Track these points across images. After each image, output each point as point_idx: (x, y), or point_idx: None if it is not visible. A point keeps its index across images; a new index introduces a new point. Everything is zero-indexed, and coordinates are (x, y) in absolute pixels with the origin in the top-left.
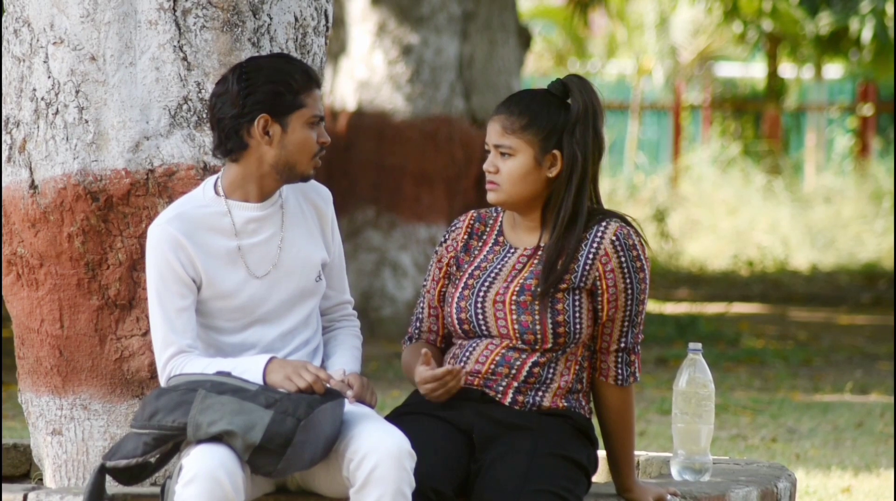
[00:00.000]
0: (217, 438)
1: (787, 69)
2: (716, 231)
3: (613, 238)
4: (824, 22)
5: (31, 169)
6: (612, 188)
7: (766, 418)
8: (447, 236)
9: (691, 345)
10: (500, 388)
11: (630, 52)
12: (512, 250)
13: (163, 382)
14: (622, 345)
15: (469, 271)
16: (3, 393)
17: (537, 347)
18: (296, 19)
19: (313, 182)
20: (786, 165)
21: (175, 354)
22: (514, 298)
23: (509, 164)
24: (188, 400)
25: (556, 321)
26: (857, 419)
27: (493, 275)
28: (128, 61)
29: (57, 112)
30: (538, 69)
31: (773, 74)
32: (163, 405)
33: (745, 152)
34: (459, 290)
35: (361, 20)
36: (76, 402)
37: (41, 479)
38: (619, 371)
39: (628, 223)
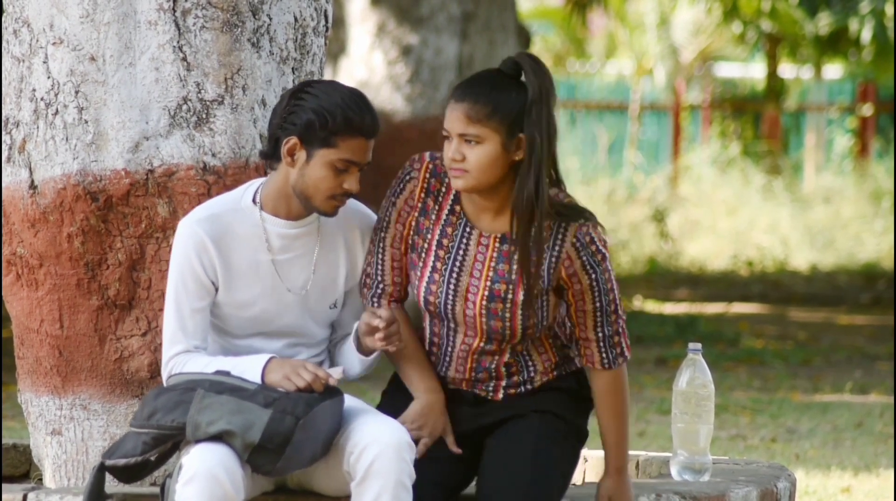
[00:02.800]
0: (216, 437)
1: (786, 69)
2: (715, 231)
3: (574, 240)
4: (824, 22)
5: (30, 169)
6: (611, 188)
7: (765, 418)
8: (402, 187)
9: (691, 345)
10: (490, 388)
11: (629, 52)
12: (470, 231)
13: (164, 378)
14: (600, 334)
15: (433, 246)
16: (3, 393)
17: (504, 344)
18: (295, 19)
19: (351, 206)
20: (785, 165)
21: (179, 353)
22: (483, 302)
23: (477, 152)
24: (187, 400)
25: (526, 326)
26: (856, 419)
27: (458, 262)
28: (127, 62)
29: (56, 112)
30: None
31: (772, 75)
32: (161, 405)
33: (745, 153)
34: (428, 271)
35: (361, 20)
36: (76, 402)
37: (41, 479)
38: (605, 356)
39: (585, 217)
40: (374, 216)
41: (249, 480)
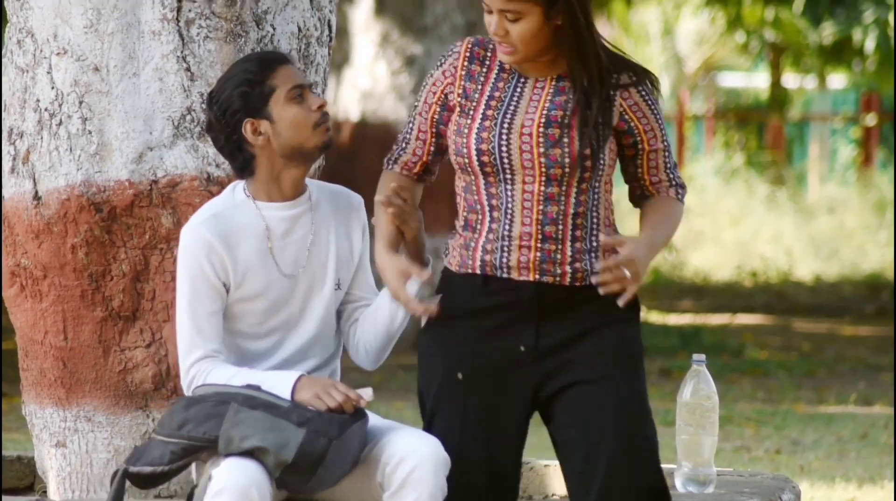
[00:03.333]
0: (247, 452)
1: (790, 79)
2: (719, 242)
3: (629, 75)
4: (827, 32)
5: (34, 180)
6: (615, 198)
7: (769, 429)
8: (443, 61)
9: (695, 356)
10: (557, 260)
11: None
12: (524, 81)
13: (185, 385)
14: (671, 174)
15: (483, 100)
16: (6, 406)
17: (565, 183)
18: (299, 30)
19: (344, 189)
20: (789, 175)
21: (200, 358)
22: (540, 129)
23: (519, 27)
24: (220, 413)
25: (584, 155)
26: (861, 430)
27: (513, 106)
28: (131, 72)
29: (60, 123)
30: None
31: (776, 84)
32: (193, 416)
33: (749, 163)
34: (478, 121)
35: (365, 30)
36: (80, 414)
37: (45, 491)
38: (678, 192)
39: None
40: (358, 195)
41: (276, 497)
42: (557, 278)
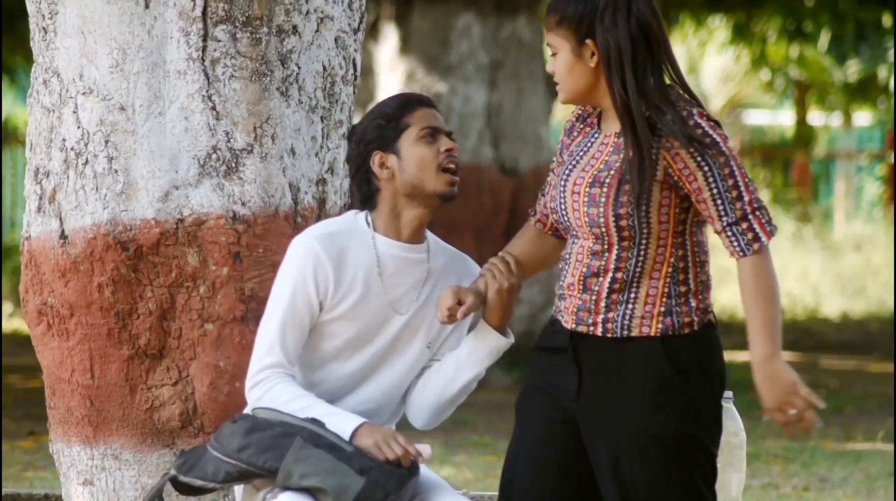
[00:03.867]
0: (305, 489)
1: (815, 117)
2: None
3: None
4: (852, 69)
5: (61, 219)
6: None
7: (797, 466)
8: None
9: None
10: (591, 310)
11: None
12: (597, 135)
13: (249, 386)
14: (727, 222)
15: (565, 156)
16: (33, 443)
17: (605, 240)
18: (324, 68)
19: (464, 255)
20: (815, 212)
21: (272, 365)
22: (587, 189)
23: (557, 62)
24: (283, 445)
25: (618, 214)
26: (889, 467)
27: (576, 161)
28: (157, 111)
29: (87, 162)
30: (567, 117)
31: (801, 122)
32: (255, 442)
33: (775, 200)
34: (555, 178)
35: (390, 69)
36: (107, 452)
37: None
38: (736, 244)
39: (691, 106)
40: (476, 267)
41: None
42: (590, 329)
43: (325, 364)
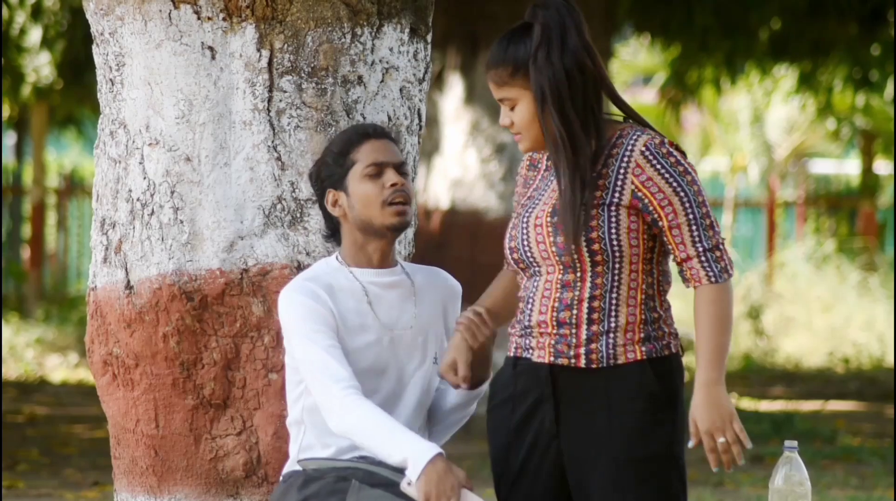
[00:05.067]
0: None
1: (881, 166)
2: (811, 328)
3: (643, 149)
4: None
5: (126, 270)
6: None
7: None
8: (517, 180)
9: (787, 443)
10: (572, 344)
11: (724, 148)
12: (552, 176)
13: (333, 408)
14: (701, 248)
15: (521, 201)
16: (98, 493)
17: (578, 267)
18: (389, 118)
19: (444, 273)
20: (881, 261)
21: (348, 386)
22: (548, 219)
23: (518, 113)
24: (342, 489)
25: (590, 238)
26: None
27: (536, 200)
28: (222, 162)
29: (152, 213)
30: None
31: (867, 171)
32: (314, 493)
33: (840, 249)
34: (512, 220)
35: (455, 119)
36: None
37: None
38: (709, 270)
39: (660, 135)
40: (457, 283)
41: None
42: (572, 361)
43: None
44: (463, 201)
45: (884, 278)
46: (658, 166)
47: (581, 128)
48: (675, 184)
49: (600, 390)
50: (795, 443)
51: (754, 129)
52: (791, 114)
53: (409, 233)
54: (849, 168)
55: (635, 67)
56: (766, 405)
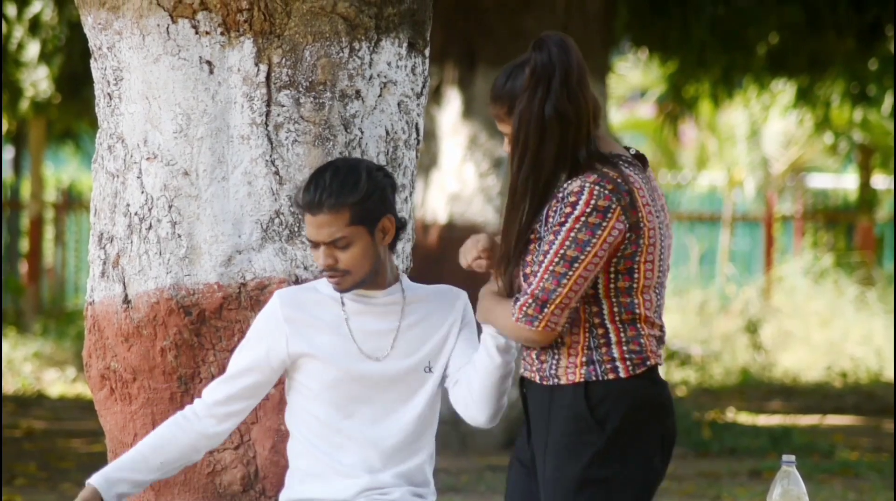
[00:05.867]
0: None
1: (879, 180)
2: (809, 343)
3: (560, 190)
4: None
5: (124, 284)
6: (704, 300)
7: None
8: None
9: (785, 457)
10: (531, 358)
11: (721, 163)
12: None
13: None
14: (534, 289)
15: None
16: None
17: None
18: (387, 133)
19: (448, 287)
20: (879, 276)
21: (203, 407)
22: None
23: (511, 146)
24: None
25: (525, 273)
26: None
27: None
28: (220, 176)
29: (150, 227)
30: None
31: (865, 185)
32: None
33: (838, 264)
34: None
35: (452, 133)
36: None
37: None
38: (523, 308)
39: (602, 175)
40: (457, 289)
41: None
42: (532, 375)
43: (338, 422)
44: (461, 216)
45: (881, 292)
46: (559, 205)
47: (551, 174)
48: (556, 226)
49: (545, 406)
50: (793, 458)
51: (751, 143)
52: (788, 128)
53: (407, 248)
54: (846, 183)
55: (633, 82)
56: (763, 420)
